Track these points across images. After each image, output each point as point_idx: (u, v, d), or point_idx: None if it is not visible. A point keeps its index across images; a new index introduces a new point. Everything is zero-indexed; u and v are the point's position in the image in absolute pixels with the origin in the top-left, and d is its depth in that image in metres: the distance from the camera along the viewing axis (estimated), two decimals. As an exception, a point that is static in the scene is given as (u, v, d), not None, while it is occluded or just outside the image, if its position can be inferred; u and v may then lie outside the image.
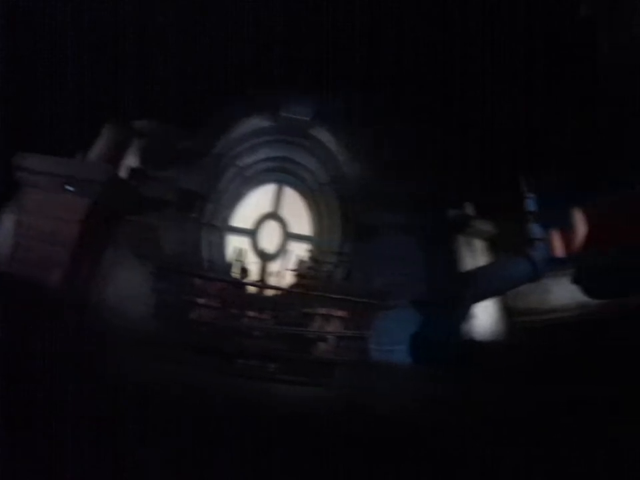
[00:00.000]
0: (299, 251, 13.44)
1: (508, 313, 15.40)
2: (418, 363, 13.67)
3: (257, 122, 13.40)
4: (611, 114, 10.40)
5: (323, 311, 12.43)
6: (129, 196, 11.78)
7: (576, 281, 13.95)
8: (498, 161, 14.37)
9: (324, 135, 13.61)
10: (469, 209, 15.30)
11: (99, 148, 12.27)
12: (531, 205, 14.86)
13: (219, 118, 12.81)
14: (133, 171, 12.41)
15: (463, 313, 14.04)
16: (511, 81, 12.10)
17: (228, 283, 11.80)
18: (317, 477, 10.48)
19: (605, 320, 14.35)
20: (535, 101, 12.41)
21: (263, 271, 12.74)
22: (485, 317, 14.70)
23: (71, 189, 10.99)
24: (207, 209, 12.94)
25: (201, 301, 11.33)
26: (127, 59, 11.63)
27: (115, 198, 11.42)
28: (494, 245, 15.73)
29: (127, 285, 10.78)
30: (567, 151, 13.64)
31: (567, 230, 15.89)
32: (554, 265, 15.16)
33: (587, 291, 14.01)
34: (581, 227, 15.13)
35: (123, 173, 12.37)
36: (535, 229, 14.73)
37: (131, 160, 12.51)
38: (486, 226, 15.44)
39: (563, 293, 14.89)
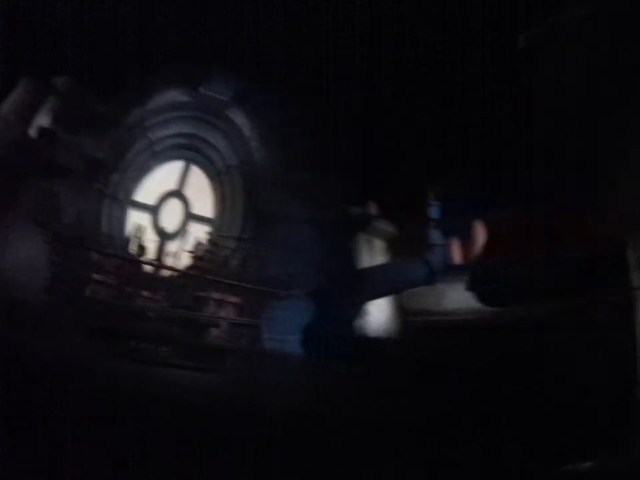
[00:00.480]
0: (199, 232, 13.00)
1: (402, 312, 15.79)
2: (310, 354, 13.76)
3: (174, 95, 12.78)
4: (525, 131, 10.74)
5: (217, 295, 12.21)
6: (36, 157, 10.93)
7: (470, 288, 14.44)
8: (407, 164, 14.59)
9: (239, 118, 13.18)
10: (373, 209, 15.47)
11: (11, 102, 11.37)
12: (434, 211, 15.23)
13: (137, 86, 12.17)
14: (43, 131, 11.56)
15: (358, 309, 14.22)
16: (430, 93, 12.27)
17: (125, 260, 11.32)
18: (202, 462, 10.47)
19: (495, 326, 15.01)
20: (450, 113, 12.66)
21: (161, 250, 12.27)
22: (378, 314, 14.94)
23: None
24: (111, 180, 12.20)
25: (97, 277, 10.81)
26: (54, 15, 10.89)
27: (21, 158, 10.62)
28: (394, 246, 16.02)
29: (25, 254, 10.06)
30: (476, 163, 14.01)
31: (466, 239, 16.49)
32: (450, 271, 15.67)
33: (480, 298, 14.54)
34: (480, 237, 15.68)
35: (32, 132, 11.44)
36: (435, 235, 15.08)
37: (43, 119, 11.65)
38: (388, 227, 15.68)
39: (457, 298, 15.37)
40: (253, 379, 12.99)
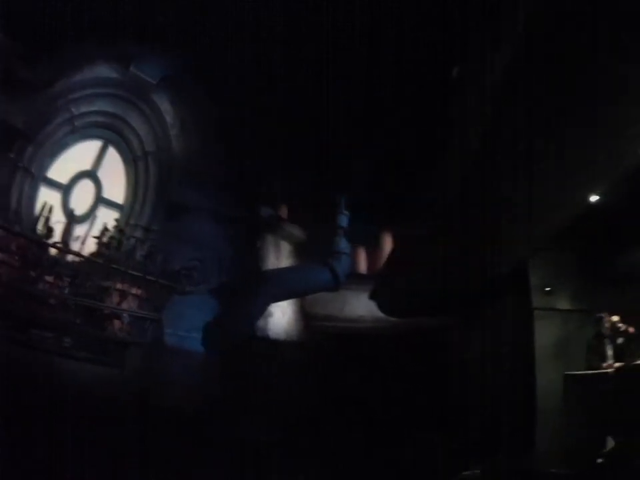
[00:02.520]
0: (108, 218, 12.28)
1: (305, 316, 15.89)
2: (210, 352, 13.48)
3: (104, 70, 11.91)
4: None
5: (120, 286, 11.65)
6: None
7: (372, 297, 14.78)
8: (320, 172, 14.73)
9: (164, 104, 12.69)
10: (283, 211, 15.47)
11: None
12: (343, 220, 15.48)
13: (68, 56, 11.26)
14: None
15: (260, 309, 14.13)
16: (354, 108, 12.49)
17: (32, 241, 10.41)
18: (98, 453, 9.95)
19: (395, 335, 15.48)
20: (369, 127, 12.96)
21: (68, 233, 11.46)
22: (281, 316, 14.96)
23: None
24: (26, 152, 11.11)
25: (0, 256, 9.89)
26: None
27: None
28: (300, 249, 16.09)
29: None
30: (389, 176, 14.37)
31: (372, 249, 16.92)
32: (354, 279, 15.96)
33: (382, 307, 14.91)
34: (385, 248, 16.13)
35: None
36: (342, 243, 15.38)
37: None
38: (296, 230, 15.77)
39: (360, 305, 15.74)
40: (152, 374, 12.66)
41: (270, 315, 14.32)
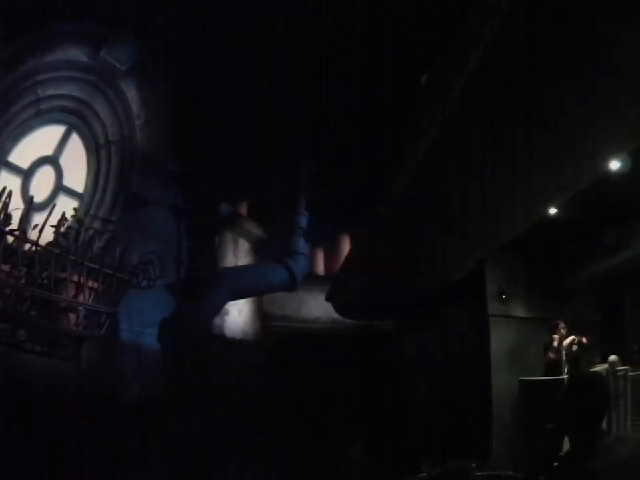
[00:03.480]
0: (67, 207, 11.79)
1: (262, 316, 15.81)
2: (165, 348, 13.22)
3: (75, 53, 11.34)
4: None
5: (76, 278, 11.27)
6: None
7: (328, 298, 14.81)
8: (282, 171, 14.68)
9: (132, 91, 12.30)
10: (243, 209, 15.34)
11: None
12: (302, 220, 15.49)
13: (39, 35, 10.70)
14: None
15: (217, 307, 13.97)
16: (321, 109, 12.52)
17: (-13, 228, 9.89)
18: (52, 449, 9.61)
19: (350, 337, 15.58)
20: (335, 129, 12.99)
21: (26, 220, 10.96)
22: (237, 314, 14.89)
23: None
24: None
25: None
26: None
27: None
28: (258, 248, 15.99)
29: None
30: (352, 180, 14.43)
31: (330, 250, 16.96)
32: (312, 280, 15.97)
33: (337, 309, 14.96)
34: (343, 249, 16.19)
35: None
36: (300, 243, 15.39)
37: None
38: (255, 229, 15.70)
39: (316, 306, 15.79)
40: (107, 369, 12.30)
41: (226, 313, 14.24)
